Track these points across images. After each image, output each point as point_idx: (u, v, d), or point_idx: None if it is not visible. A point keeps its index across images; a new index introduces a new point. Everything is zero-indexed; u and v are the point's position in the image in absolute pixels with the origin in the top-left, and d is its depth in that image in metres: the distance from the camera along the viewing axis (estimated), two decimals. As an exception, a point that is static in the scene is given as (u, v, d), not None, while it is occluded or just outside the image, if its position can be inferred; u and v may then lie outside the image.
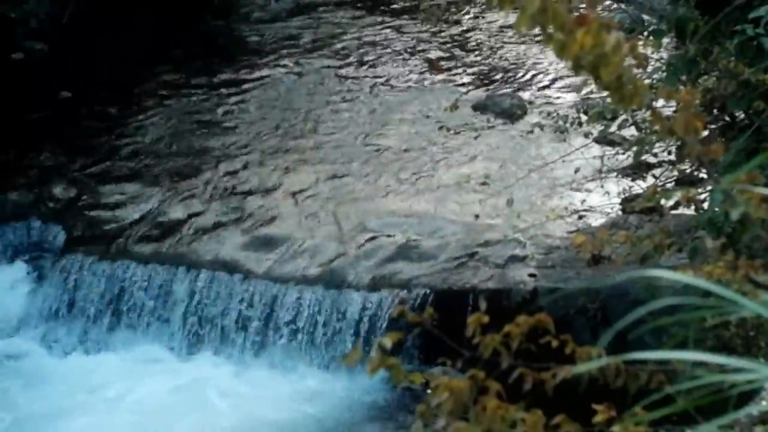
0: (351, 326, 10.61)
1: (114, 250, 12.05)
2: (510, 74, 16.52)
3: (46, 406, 10.41)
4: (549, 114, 13.13)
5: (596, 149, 12.25)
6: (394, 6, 19.88)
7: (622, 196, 11.28)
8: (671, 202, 5.17)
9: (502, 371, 3.02)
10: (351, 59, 17.17)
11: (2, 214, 12.95)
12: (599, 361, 2.90)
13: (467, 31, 18.50)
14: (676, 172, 10.16)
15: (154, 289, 11.48)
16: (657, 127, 3.30)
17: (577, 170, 12.20)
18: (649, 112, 3.81)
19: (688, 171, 9.76)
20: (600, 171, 12.04)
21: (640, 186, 11.22)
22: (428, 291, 10.47)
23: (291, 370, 10.77)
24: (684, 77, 7.59)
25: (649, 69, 8.01)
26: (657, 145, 9.14)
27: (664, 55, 9.60)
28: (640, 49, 3.03)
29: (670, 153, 9.87)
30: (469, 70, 16.68)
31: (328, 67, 16.83)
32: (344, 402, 10.29)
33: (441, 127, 14.45)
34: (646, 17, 9.50)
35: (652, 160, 10.92)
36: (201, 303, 11.24)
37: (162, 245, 11.97)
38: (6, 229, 12.78)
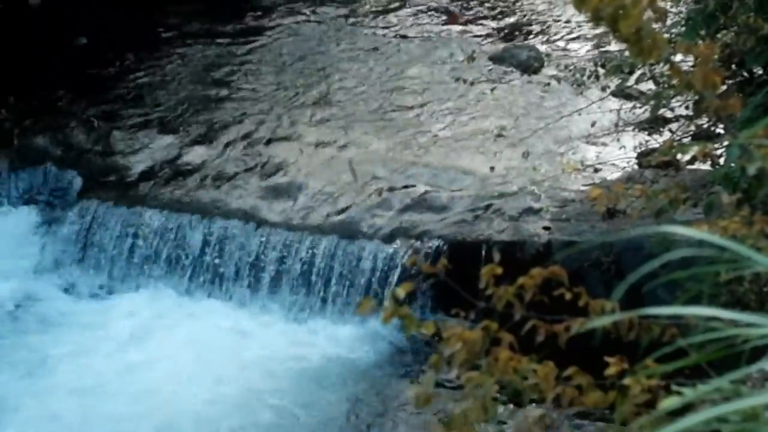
0: (364, 276, 10.63)
1: (129, 195, 12.08)
2: (528, 26, 16.43)
3: (63, 348, 10.50)
4: (566, 67, 13.09)
5: (613, 103, 12.20)
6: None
7: (638, 150, 11.24)
8: (687, 157, 5.14)
9: (514, 323, 3.03)
10: (368, 8, 17.09)
11: (19, 160, 12.98)
12: (613, 316, 2.91)
13: (486, -18, 18.40)
14: (692, 127, 10.13)
15: (169, 235, 11.52)
16: (675, 81, 3.29)
17: (593, 124, 12.16)
18: (667, 66, 3.79)
19: (705, 126, 9.74)
20: (616, 125, 11.99)
21: (656, 140, 11.18)
22: (442, 242, 10.48)
23: (304, 318, 10.81)
24: (703, 32, 7.54)
25: (668, 23, 7.97)
26: (674, 99, 9.12)
27: (683, 9, 9.53)
28: (660, 3, 3.02)
29: (687, 107, 9.84)
30: (487, 22, 16.58)
31: (345, 17, 16.75)
32: (356, 351, 10.34)
33: (458, 79, 14.39)
34: (666, -29, 9.43)
35: (669, 114, 10.87)
36: (215, 250, 11.27)
37: (177, 192, 11.98)
38: (23, 174, 12.82)
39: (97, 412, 9.43)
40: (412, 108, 13.73)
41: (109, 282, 11.65)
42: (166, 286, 11.38)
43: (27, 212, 12.44)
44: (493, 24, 16.55)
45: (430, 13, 16.89)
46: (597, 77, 11.32)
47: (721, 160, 5.30)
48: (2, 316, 11.15)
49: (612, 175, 11.14)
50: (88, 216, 11.95)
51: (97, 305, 11.27)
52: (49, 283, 11.73)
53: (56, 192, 12.60)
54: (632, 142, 11.49)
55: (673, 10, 9.09)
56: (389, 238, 10.75)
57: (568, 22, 16.13)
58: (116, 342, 10.55)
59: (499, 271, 3.09)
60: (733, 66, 8.19)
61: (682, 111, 10.32)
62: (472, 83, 14.21)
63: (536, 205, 10.83)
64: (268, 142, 12.89)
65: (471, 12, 17.00)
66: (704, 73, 3.22)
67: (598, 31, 13.71)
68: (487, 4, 17.23)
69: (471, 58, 12.34)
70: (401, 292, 3.08)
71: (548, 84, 13.22)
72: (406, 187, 11.55)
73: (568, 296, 3.15)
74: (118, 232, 11.74)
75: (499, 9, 17.14)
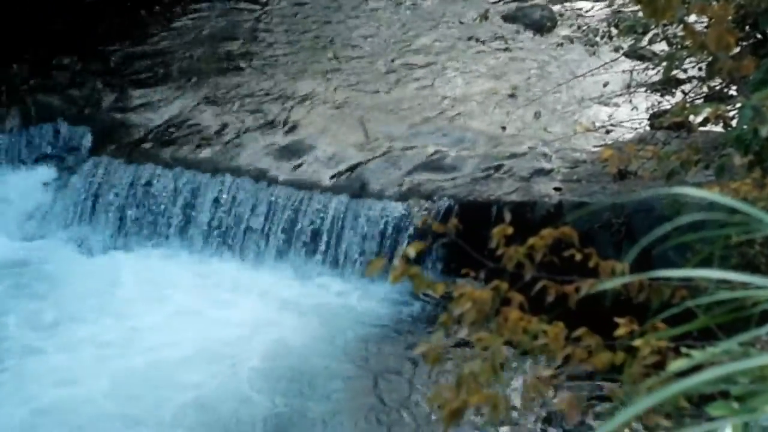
0: (375, 235, 10.64)
1: (140, 153, 12.08)
2: (541, -15, 16.35)
3: (73, 303, 10.54)
4: (579, 27, 13.03)
5: (626, 64, 12.16)
6: None
7: (651, 112, 11.20)
8: (700, 118, 5.12)
9: (525, 283, 3.03)
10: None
11: (30, 117, 12.98)
12: (624, 277, 2.91)
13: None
14: (705, 89, 10.08)
15: (179, 192, 11.53)
16: (688, 42, 3.27)
17: (605, 84, 12.12)
18: (680, 27, 3.77)
19: (718, 87, 9.69)
20: (629, 86, 11.94)
21: (668, 101, 11.14)
22: (453, 202, 10.47)
23: (312, 276, 10.83)
24: (717, -8, 7.49)
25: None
26: (687, 60, 9.06)
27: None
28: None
29: (700, 69, 9.79)
30: (500, -19, 16.52)
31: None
32: (365, 309, 10.36)
33: (470, 38, 14.35)
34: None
35: (681, 75, 10.81)
36: (225, 208, 11.28)
37: (188, 150, 11.98)
38: (34, 131, 12.83)
39: (110, 367, 9.48)
40: (423, 67, 13.70)
41: (119, 239, 11.68)
42: (177, 244, 11.41)
43: (38, 169, 12.47)
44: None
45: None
46: (610, 37, 11.26)
47: (734, 122, 5.28)
48: (13, 272, 11.19)
49: (624, 136, 11.11)
50: (99, 173, 11.97)
51: (108, 262, 11.29)
52: (60, 240, 11.77)
53: (67, 149, 12.61)
54: (644, 103, 11.45)
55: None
56: (400, 198, 10.74)
57: (581, -20, 16.05)
58: (126, 299, 10.59)
59: (510, 231, 3.09)
60: (747, 27, 8.14)
61: (695, 72, 10.27)
62: (484, 42, 14.18)
63: (547, 166, 10.81)
64: (280, 102, 12.88)
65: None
66: (718, 34, 3.20)
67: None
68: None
69: (484, 17, 12.28)
70: (411, 252, 3.08)
71: (561, 44, 13.16)
72: (417, 146, 11.53)
73: (578, 257, 3.16)
74: (128, 190, 11.76)
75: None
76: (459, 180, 10.81)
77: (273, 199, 11.13)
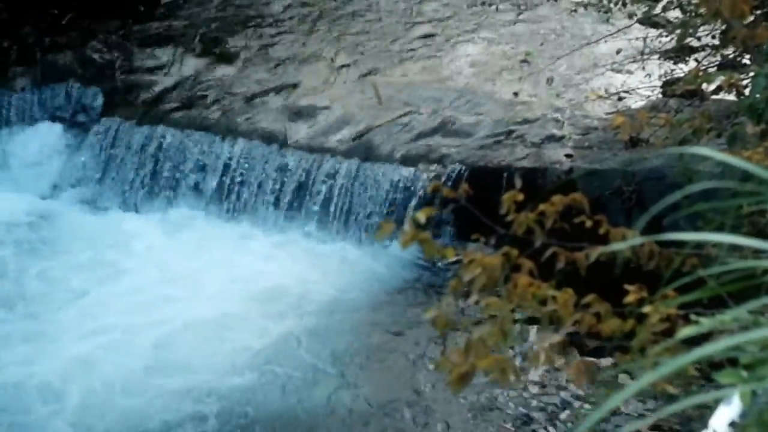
0: (385, 199, 10.64)
1: (152, 114, 12.09)
2: (555, -50, 16.26)
3: (83, 261, 10.58)
4: (593, -8, 12.95)
5: (639, 31, 12.09)
6: None
7: (664, 79, 11.15)
8: (713, 87, 5.11)
9: (535, 250, 3.03)
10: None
11: (43, 76, 12.99)
12: (634, 240, 2.90)
13: None
14: (719, 57, 10.03)
15: (190, 154, 11.54)
16: (702, 10, 3.26)
17: (618, 51, 12.08)
18: (695, -6, 3.75)
19: (731, 56, 9.64)
20: (642, 53, 11.88)
21: (681, 69, 11.08)
22: (463, 167, 10.46)
23: (322, 240, 10.84)
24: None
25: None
26: (701, 28, 9.02)
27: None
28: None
29: (714, 37, 9.75)
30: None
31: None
32: (373, 275, 10.37)
33: (483, 3, 14.30)
34: None
35: (695, 43, 10.75)
36: (236, 171, 11.29)
37: (199, 111, 11.98)
38: (46, 91, 12.85)
39: (125, 323, 9.51)
40: (437, 32, 13.66)
41: (130, 200, 11.71)
42: (187, 206, 11.43)
43: (50, 129, 12.49)
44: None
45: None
46: (624, 4, 11.19)
47: (747, 91, 5.26)
48: (25, 230, 11.22)
49: (636, 103, 11.08)
50: (111, 134, 11.99)
51: (116, 221, 11.32)
52: (70, 199, 11.80)
53: (79, 109, 12.63)
54: (657, 70, 11.40)
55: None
56: (411, 162, 10.74)
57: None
58: (135, 259, 10.61)
59: (521, 197, 3.09)
60: (762, -5, 8.10)
61: (709, 40, 10.22)
62: (497, 9, 14.12)
63: (559, 132, 10.79)
64: (293, 64, 12.86)
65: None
66: (732, 1, 3.19)
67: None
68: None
69: (497, -17, 12.26)
70: (421, 217, 3.08)
71: (574, 10, 13.09)
72: (428, 111, 11.52)
73: (588, 224, 3.16)
74: (139, 151, 11.78)
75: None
76: (470, 145, 10.80)
77: (284, 162, 11.13)
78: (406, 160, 10.78)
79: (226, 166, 11.34)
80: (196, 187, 11.48)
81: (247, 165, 11.26)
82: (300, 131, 11.43)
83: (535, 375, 8.02)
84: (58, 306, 9.85)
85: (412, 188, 10.54)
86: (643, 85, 11.29)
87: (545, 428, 7.56)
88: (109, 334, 9.31)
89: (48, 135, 12.42)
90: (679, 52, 11.53)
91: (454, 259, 3.18)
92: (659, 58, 11.81)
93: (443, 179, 10.28)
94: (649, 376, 1.84)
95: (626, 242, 2.93)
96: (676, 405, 1.95)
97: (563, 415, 7.63)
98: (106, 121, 12.15)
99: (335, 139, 11.22)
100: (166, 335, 9.29)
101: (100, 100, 12.52)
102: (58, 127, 12.49)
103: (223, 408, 8.13)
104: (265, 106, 11.92)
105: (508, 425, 7.55)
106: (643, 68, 11.59)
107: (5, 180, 12.16)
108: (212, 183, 11.38)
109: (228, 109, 11.94)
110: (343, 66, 12.72)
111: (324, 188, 10.90)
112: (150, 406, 8.20)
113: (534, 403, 7.84)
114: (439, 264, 10.17)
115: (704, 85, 7.37)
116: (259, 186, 11.18)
